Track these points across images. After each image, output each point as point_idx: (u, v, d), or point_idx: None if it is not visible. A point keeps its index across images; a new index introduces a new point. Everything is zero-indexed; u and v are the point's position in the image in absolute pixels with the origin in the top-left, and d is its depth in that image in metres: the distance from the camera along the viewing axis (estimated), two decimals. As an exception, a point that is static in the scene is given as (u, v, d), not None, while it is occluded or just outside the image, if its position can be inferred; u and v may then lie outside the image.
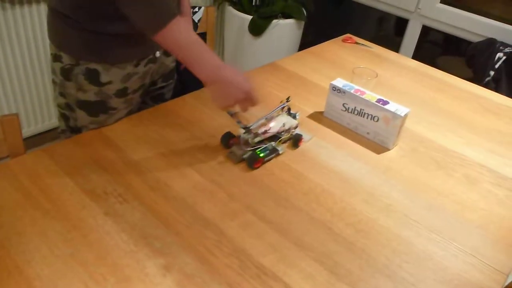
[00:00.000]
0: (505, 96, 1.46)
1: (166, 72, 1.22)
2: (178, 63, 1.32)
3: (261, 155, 0.97)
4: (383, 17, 2.51)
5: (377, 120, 1.08)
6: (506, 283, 0.80)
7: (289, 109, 1.09)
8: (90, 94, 1.04)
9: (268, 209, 0.87)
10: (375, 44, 1.71)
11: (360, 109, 1.11)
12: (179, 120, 1.10)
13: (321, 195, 0.92)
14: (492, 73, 1.77)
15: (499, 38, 1.87)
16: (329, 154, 1.05)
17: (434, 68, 1.58)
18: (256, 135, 0.99)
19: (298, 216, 0.86)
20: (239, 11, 2.30)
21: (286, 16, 2.31)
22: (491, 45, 1.81)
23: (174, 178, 0.91)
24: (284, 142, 1.06)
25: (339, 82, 1.14)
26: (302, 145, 1.07)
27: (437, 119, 1.26)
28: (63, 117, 1.09)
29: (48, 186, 0.86)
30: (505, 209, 0.95)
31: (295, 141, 1.05)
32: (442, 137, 1.18)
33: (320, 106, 1.24)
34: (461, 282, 0.77)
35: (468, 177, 1.04)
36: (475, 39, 2.01)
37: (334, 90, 1.14)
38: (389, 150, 1.10)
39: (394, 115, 1.05)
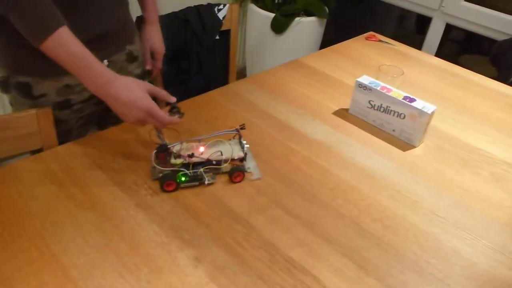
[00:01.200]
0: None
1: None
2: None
3: (182, 179, 0.88)
4: (404, 15, 2.49)
5: (404, 118, 1.08)
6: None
7: (240, 137, 0.97)
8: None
9: (296, 204, 0.88)
10: (398, 42, 1.70)
11: (387, 106, 1.11)
12: (209, 113, 1.12)
13: (347, 191, 0.93)
14: (517, 71, 1.75)
15: (525, 36, 1.85)
16: (354, 150, 1.06)
17: (459, 66, 1.57)
18: (178, 156, 0.89)
19: (325, 211, 0.87)
20: (261, 8, 2.31)
21: (308, 13, 2.31)
22: (516, 43, 1.79)
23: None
24: (223, 172, 0.93)
25: (365, 79, 1.14)
26: (330, 142, 1.07)
27: (462, 117, 1.25)
28: None
29: (80, 178, 0.89)
30: (533, 208, 0.95)
31: (231, 174, 0.91)
32: (468, 135, 1.17)
33: (344, 103, 1.24)
34: (489, 279, 0.77)
35: (494, 175, 1.03)
36: (499, 37, 1.99)
37: (360, 87, 1.14)
38: (415, 147, 1.09)
39: (421, 112, 1.05)
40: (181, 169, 0.89)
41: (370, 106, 1.14)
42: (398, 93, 1.09)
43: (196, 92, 1.32)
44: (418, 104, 1.06)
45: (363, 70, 1.44)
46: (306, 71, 1.40)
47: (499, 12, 2.01)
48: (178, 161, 0.89)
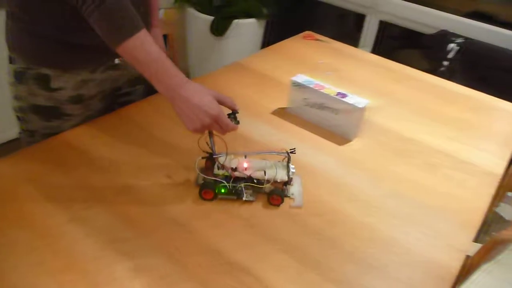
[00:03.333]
0: (459, 85, 1.52)
1: (132, 78, 1.21)
2: None
3: (222, 191, 0.88)
4: (344, 14, 2.56)
5: (338, 113, 1.11)
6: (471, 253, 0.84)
7: (288, 159, 0.93)
8: (41, 99, 1.02)
9: (238, 207, 0.88)
10: (334, 40, 1.74)
11: (321, 103, 1.13)
12: (146, 123, 1.10)
13: (287, 189, 0.94)
14: (446, 63, 1.84)
15: (450, 29, 1.95)
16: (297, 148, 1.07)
17: (392, 61, 1.63)
18: (223, 167, 0.89)
19: (268, 211, 0.87)
20: (200, 12, 2.30)
21: (247, 15, 2.33)
22: (443, 36, 1.89)
23: (142, 181, 0.91)
24: (264, 192, 0.91)
25: (300, 78, 1.16)
26: (270, 141, 1.08)
27: (396, 110, 1.30)
28: (18, 119, 1.08)
29: (11, 196, 0.84)
30: (463, 192, 1.00)
31: (269, 195, 0.89)
32: (402, 126, 1.22)
33: (283, 102, 1.26)
34: (424, 264, 0.80)
35: (427, 164, 1.08)
36: (429, 31, 2.08)
37: (295, 86, 1.16)
38: (351, 141, 1.12)
39: (354, 107, 1.08)
40: (222, 180, 0.88)
41: (306, 103, 1.16)
42: (331, 90, 1.12)
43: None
44: (350, 99, 1.09)
45: (300, 69, 1.47)
46: (246, 72, 1.41)
47: (427, 8, 2.11)
48: (221, 172, 0.89)
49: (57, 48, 0.97)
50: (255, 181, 0.89)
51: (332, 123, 1.14)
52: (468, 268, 0.82)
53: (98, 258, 0.74)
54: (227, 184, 0.88)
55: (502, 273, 0.69)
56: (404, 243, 0.84)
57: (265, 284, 0.73)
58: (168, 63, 0.86)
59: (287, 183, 0.91)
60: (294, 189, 0.93)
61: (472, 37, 1.95)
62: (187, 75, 2.83)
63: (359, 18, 2.39)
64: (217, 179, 0.88)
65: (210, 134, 0.91)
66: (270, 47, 1.62)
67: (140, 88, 1.26)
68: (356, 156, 1.07)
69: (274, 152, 0.94)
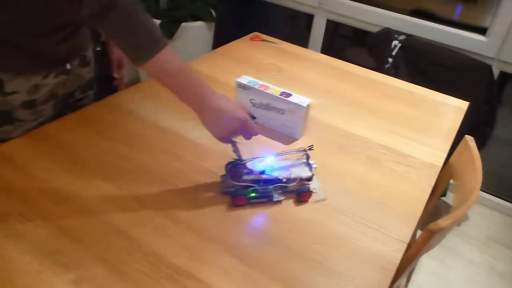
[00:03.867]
0: (403, 81, 1.57)
1: (83, 83, 1.19)
2: (99, 73, 1.29)
3: (252, 195, 0.89)
4: (294, 14, 2.59)
5: (283, 113, 1.12)
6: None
7: (307, 158, 0.98)
8: None
9: (179, 209, 0.87)
10: (282, 41, 1.76)
11: (267, 103, 1.14)
12: (87, 129, 1.07)
13: (232, 190, 0.94)
14: (390, 60, 1.90)
15: (394, 27, 2.01)
16: (241, 150, 1.07)
17: (339, 60, 1.66)
18: (251, 172, 0.91)
19: (211, 213, 0.87)
20: (147, 16, 2.27)
21: (195, 18, 2.31)
22: (387, 34, 1.94)
23: (81, 190, 0.89)
24: (289, 192, 0.94)
25: (244, 79, 1.17)
26: (215, 144, 1.08)
27: (341, 107, 1.33)
28: None
29: None
30: (404, 184, 1.03)
31: (298, 194, 0.92)
32: (346, 123, 1.24)
33: (229, 104, 1.26)
34: (367, 256, 0.82)
35: (370, 158, 1.10)
36: (375, 30, 2.14)
37: (240, 87, 1.16)
38: (297, 140, 1.14)
39: (297, 106, 1.09)
40: (251, 184, 0.90)
41: (252, 104, 1.17)
42: (275, 90, 1.13)
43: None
44: (294, 98, 1.10)
45: (247, 70, 1.47)
46: (191, 75, 1.40)
47: (372, 7, 2.16)
48: (250, 177, 0.91)
49: (9, 52, 0.95)
50: (283, 181, 0.92)
51: (278, 123, 1.15)
52: (408, 257, 0.85)
53: (36, 273, 0.71)
54: (257, 188, 0.90)
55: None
56: (348, 237, 0.86)
57: (208, 286, 0.72)
58: (195, 75, 0.87)
59: (310, 179, 0.94)
60: (315, 184, 0.96)
61: (414, 34, 2.02)
62: (137, 80, 2.78)
63: (308, 18, 2.43)
64: (248, 184, 0.90)
65: (233, 142, 0.92)
66: (217, 49, 1.62)
67: (91, 94, 1.24)
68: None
69: (294, 151, 0.98)
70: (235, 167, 0.92)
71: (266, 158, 0.95)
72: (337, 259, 0.81)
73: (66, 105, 1.18)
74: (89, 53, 1.20)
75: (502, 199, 2.23)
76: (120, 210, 0.85)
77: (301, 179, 0.93)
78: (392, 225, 0.90)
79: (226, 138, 0.89)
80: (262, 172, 0.92)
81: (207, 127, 0.89)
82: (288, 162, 0.96)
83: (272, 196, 0.91)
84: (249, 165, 0.92)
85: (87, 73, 1.21)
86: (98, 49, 1.36)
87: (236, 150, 0.93)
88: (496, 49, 1.92)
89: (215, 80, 1.38)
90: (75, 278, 0.71)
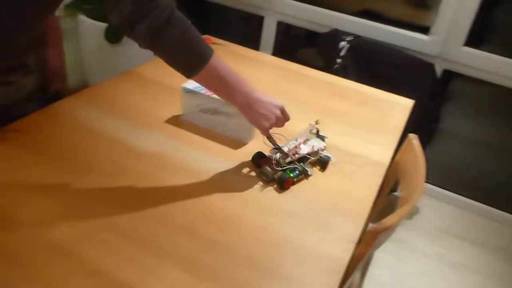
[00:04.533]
0: (351, 81, 1.60)
1: (25, 95, 1.12)
2: (45, 84, 1.22)
3: (291, 175, 0.98)
4: (245, 16, 2.58)
5: (231, 117, 1.11)
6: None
7: (317, 131, 1.13)
8: None
9: (125, 222, 0.84)
10: (232, 43, 1.75)
11: (214, 108, 1.13)
12: (26, 140, 1.02)
13: (181, 199, 0.92)
14: (339, 60, 1.93)
15: (342, 28, 2.05)
16: (189, 156, 1.05)
17: (288, 61, 1.67)
18: (287, 156, 1.01)
19: (159, 224, 0.85)
20: (93, 19, 2.20)
21: (144, 21, 2.26)
22: (335, 35, 1.98)
23: (16, 205, 0.84)
24: (312, 164, 1.07)
25: (191, 84, 1.15)
26: (164, 151, 1.06)
27: (292, 108, 1.32)
28: None
29: None
30: (352, 183, 1.05)
31: (323, 163, 1.07)
32: (295, 124, 1.24)
33: (178, 110, 1.23)
34: (317, 259, 0.83)
35: (319, 159, 1.11)
36: (324, 30, 2.17)
37: (187, 92, 1.15)
38: (246, 144, 1.13)
39: (246, 110, 1.08)
40: (291, 166, 1.01)
41: (200, 109, 1.15)
42: (223, 94, 1.12)
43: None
44: (242, 102, 1.09)
45: (196, 74, 1.45)
46: (139, 81, 1.36)
47: (320, 8, 2.19)
48: (288, 160, 1.01)
49: None
50: (309, 156, 1.06)
51: (227, 128, 1.14)
52: (357, 257, 0.86)
53: (-33, 299, 0.67)
54: (296, 166, 1.01)
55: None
56: (297, 241, 0.86)
57: (156, 301, 0.70)
58: (238, 74, 0.95)
59: (324, 149, 1.11)
60: (326, 153, 1.11)
61: (362, 35, 2.07)
62: (86, 84, 2.70)
63: (260, 20, 2.43)
64: (288, 166, 1.00)
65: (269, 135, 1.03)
66: (165, 53, 1.58)
67: (33, 104, 1.18)
68: (250, 159, 1.08)
69: (310, 128, 1.14)
70: (262, 158, 1.03)
71: (291, 141, 1.08)
72: (288, 263, 0.81)
73: (7, 116, 1.11)
74: (31, 62, 1.13)
75: (451, 191, 2.32)
76: (60, 226, 0.81)
77: (319, 150, 1.09)
78: (341, 226, 0.91)
79: (271, 126, 0.98)
80: (295, 154, 1.03)
81: (254, 120, 0.97)
82: (307, 140, 1.10)
83: (307, 171, 1.03)
84: (285, 149, 1.03)
85: (30, 81, 1.15)
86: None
87: (272, 140, 1.03)
88: (438, 48, 1.99)
89: (160, 85, 1.36)
90: (11, 301, 0.67)
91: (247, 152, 1.10)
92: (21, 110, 1.15)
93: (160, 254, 0.78)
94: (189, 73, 0.90)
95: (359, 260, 0.85)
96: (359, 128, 1.28)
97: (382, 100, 1.48)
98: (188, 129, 1.16)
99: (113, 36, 2.14)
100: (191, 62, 0.88)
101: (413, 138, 1.13)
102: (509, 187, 2.32)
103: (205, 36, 1.78)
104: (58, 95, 1.34)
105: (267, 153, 1.05)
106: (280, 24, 2.37)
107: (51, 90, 1.31)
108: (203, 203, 0.92)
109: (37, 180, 0.91)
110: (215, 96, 1.11)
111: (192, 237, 0.83)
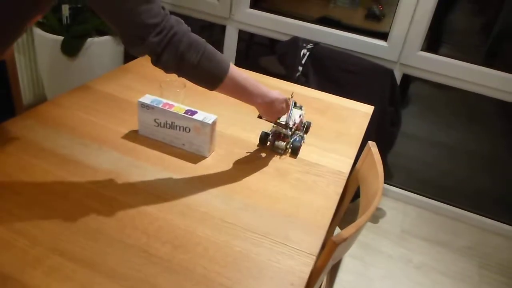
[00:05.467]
0: (311, 89, 1.61)
1: None
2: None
3: (297, 142, 1.18)
4: (208, 25, 2.56)
5: (189, 131, 1.10)
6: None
7: (295, 103, 1.24)
8: None
9: (77, 246, 0.81)
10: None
11: (172, 122, 1.11)
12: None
13: (136, 218, 0.89)
14: (300, 68, 1.94)
15: (301, 35, 2.06)
16: (145, 173, 1.03)
17: (249, 70, 1.66)
18: (291, 129, 1.17)
19: (111, 246, 0.82)
20: (48, 32, 2.13)
21: (101, 33, 2.22)
22: (295, 42, 1.98)
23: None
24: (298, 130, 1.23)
25: (147, 99, 1.12)
26: (119, 168, 1.02)
27: (250, 119, 1.33)
28: None
29: None
30: (312, 194, 1.04)
31: (307, 127, 1.29)
32: (255, 135, 1.24)
33: (134, 125, 1.21)
34: (275, 273, 0.82)
35: (279, 170, 1.11)
36: (284, 38, 2.18)
37: (143, 107, 1.12)
38: (206, 157, 1.12)
39: (203, 123, 1.07)
40: (295, 136, 1.21)
41: (156, 124, 1.13)
42: (180, 108, 1.10)
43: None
44: (199, 116, 1.08)
45: (152, 87, 1.43)
46: (94, 95, 1.32)
47: (280, 16, 2.20)
48: (292, 132, 1.20)
49: None
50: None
51: (185, 141, 1.12)
52: (317, 269, 0.86)
53: None
54: (295, 136, 1.21)
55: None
56: (256, 256, 0.85)
57: (108, 329, 0.67)
58: (252, 78, 1.03)
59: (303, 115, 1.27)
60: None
61: (322, 42, 2.08)
62: (43, 99, 2.62)
63: (222, 29, 2.42)
64: (295, 137, 1.20)
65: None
66: (121, 67, 1.55)
67: None
68: (210, 172, 1.06)
69: (292, 102, 1.21)
70: (284, 131, 1.17)
71: (286, 117, 1.17)
72: (247, 280, 0.79)
73: None
74: None
75: (413, 192, 2.37)
76: (6, 252, 0.77)
77: (302, 116, 1.25)
78: (301, 238, 0.91)
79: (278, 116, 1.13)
80: (294, 125, 1.18)
81: (267, 114, 1.10)
82: (295, 112, 1.22)
83: (304, 137, 1.26)
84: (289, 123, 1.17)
85: None
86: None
87: (279, 121, 1.16)
88: (397, 53, 2.03)
89: (117, 100, 1.32)
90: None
91: (206, 165, 1.08)
92: None
93: (112, 277, 0.76)
94: (212, 87, 0.97)
95: (320, 273, 0.85)
96: (319, 137, 1.29)
97: (342, 108, 1.50)
98: (145, 145, 1.13)
99: (69, 49, 2.08)
100: (214, 76, 0.95)
101: (372, 146, 1.14)
102: (468, 186, 2.39)
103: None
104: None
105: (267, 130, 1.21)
106: (242, 32, 2.36)
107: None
108: (159, 220, 0.89)
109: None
110: (172, 110, 1.09)
111: (147, 256, 0.81)
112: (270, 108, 1.08)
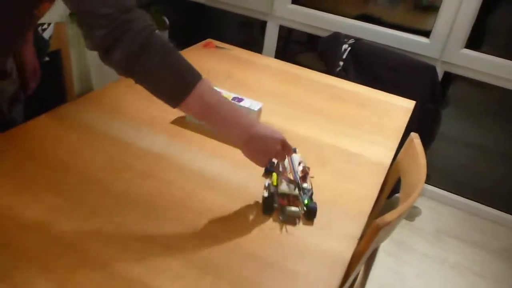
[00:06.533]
0: (353, 83, 1.62)
1: (6, 97, 1.14)
2: (24, 86, 1.26)
3: (309, 201, 0.92)
4: (248, 21, 2.61)
5: (235, 118, 1.13)
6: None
7: (294, 150, 1.05)
8: None
9: (131, 220, 0.86)
10: (235, 47, 1.78)
11: (219, 109, 1.15)
12: (31, 144, 1.04)
13: (185, 199, 0.94)
14: (341, 63, 1.96)
15: (342, 31, 2.07)
16: (193, 156, 1.08)
17: (291, 64, 1.70)
18: (297, 184, 0.93)
19: (163, 223, 0.87)
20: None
21: (147, 26, 2.29)
22: (337, 38, 2.00)
23: (25, 204, 0.86)
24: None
25: (195, 86, 1.17)
26: (169, 151, 1.08)
27: (292, 110, 1.36)
28: None
29: None
30: (354, 183, 1.07)
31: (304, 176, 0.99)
32: (296, 125, 1.27)
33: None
34: (319, 254, 0.84)
35: (321, 159, 1.13)
36: (324, 34, 2.20)
37: (192, 94, 1.17)
38: (250, 144, 1.15)
39: (249, 110, 1.11)
40: (304, 195, 0.93)
41: (204, 110, 1.17)
42: (227, 95, 1.14)
43: (26, 118, 1.22)
44: (246, 103, 1.12)
45: (200, 77, 1.48)
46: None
47: (321, 12, 2.22)
48: (295, 189, 0.94)
49: None
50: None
51: (230, 128, 1.16)
52: (359, 252, 0.88)
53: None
54: (304, 190, 0.95)
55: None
56: (299, 236, 0.88)
57: (163, 294, 0.72)
58: (234, 105, 0.86)
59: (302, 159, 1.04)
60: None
61: (362, 38, 2.09)
62: (91, 90, 2.73)
63: (262, 25, 2.46)
64: (305, 195, 0.94)
65: (274, 166, 0.98)
66: (169, 56, 1.61)
67: (20, 106, 1.20)
68: (255, 158, 1.10)
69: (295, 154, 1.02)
70: (294, 193, 0.93)
71: (286, 167, 0.98)
72: (290, 258, 0.83)
73: None
74: (8, 65, 1.14)
75: (450, 192, 2.34)
76: (68, 223, 0.83)
77: (302, 162, 1.01)
78: (343, 223, 0.93)
79: (269, 162, 0.91)
80: (301, 178, 0.97)
81: (252, 155, 0.88)
82: (293, 159, 0.99)
83: (311, 188, 0.97)
84: (290, 176, 0.96)
85: (9, 85, 1.15)
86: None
87: (279, 171, 0.97)
88: (439, 51, 2.01)
89: (167, 87, 1.38)
90: (23, 294, 0.69)
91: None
92: (5, 114, 1.16)
93: (167, 250, 0.80)
94: (173, 103, 0.81)
95: (361, 256, 0.87)
96: (360, 130, 1.31)
97: (383, 102, 1.51)
98: (193, 130, 1.18)
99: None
100: (175, 89, 0.80)
101: (415, 137, 1.15)
102: (504, 188, 2.34)
103: (208, 40, 1.81)
104: (37, 95, 1.35)
105: (280, 189, 0.94)
106: (282, 29, 2.40)
107: (29, 91, 1.32)
108: (207, 201, 0.94)
109: (44, 179, 0.93)
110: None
111: (196, 234, 0.85)
112: (251, 148, 0.87)
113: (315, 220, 0.93)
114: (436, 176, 2.37)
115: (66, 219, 0.84)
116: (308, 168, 1.02)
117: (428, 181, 2.36)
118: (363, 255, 0.87)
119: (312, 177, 1.02)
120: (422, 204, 2.31)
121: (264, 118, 1.27)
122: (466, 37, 1.96)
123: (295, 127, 1.27)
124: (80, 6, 0.76)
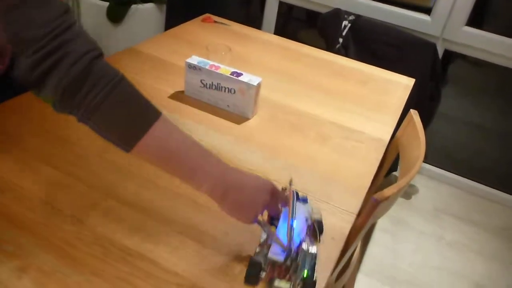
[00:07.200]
0: (353, 60, 1.60)
1: None
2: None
3: (310, 273, 0.70)
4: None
5: (234, 92, 1.12)
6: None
7: (297, 195, 0.80)
8: None
9: (130, 192, 0.86)
10: (234, 22, 1.75)
11: (217, 84, 1.14)
12: (31, 115, 1.03)
13: (184, 171, 0.93)
14: (341, 40, 1.93)
15: (343, 7, 2.04)
16: (191, 130, 1.07)
17: (291, 40, 1.67)
18: (289, 255, 0.71)
19: (162, 195, 0.87)
20: (94, -2, 2.19)
21: (145, 0, 2.26)
22: (337, 14, 1.97)
23: (24, 176, 0.86)
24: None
25: (194, 59, 1.16)
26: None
27: (292, 86, 1.34)
28: None
29: None
30: (353, 159, 1.06)
31: (320, 231, 0.80)
32: (296, 101, 1.26)
33: (180, 86, 1.24)
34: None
35: (320, 135, 1.13)
36: (325, 11, 2.16)
37: (190, 68, 1.15)
38: (249, 119, 1.15)
39: (248, 85, 1.10)
40: (302, 267, 0.71)
41: (202, 85, 1.16)
42: (226, 70, 1.13)
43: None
44: (245, 77, 1.11)
45: (197, 52, 1.46)
46: (141, 58, 1.37)
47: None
48: (291, 256, 0.71)
49: None
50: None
51: (229, 103, 1.15)
52: (357, 227, 0.88)
53: (-21, 262, 0.69)
54: (306, 253, 0.74)
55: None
56: (298, 211, 0.88)
57: (161, 266, 0.72)
58: (204, 149, 0.69)
59: (313, 212, 0.84)
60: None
61: (363, 14, 2.06)
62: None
63: (261, 0, 2.42)
64: (302, 266, 0.72)
65: (263, 225, 0.74)
66: (166, 32, 1.59)
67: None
68: (254, 133, 1.09)
69: (293, 201, 0.77)
70: (286, 264, 0.71)
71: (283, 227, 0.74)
72: (289, 232, 0.83)
73: None
74: None
75: (448, 171, 2.34)
76: (67, 195, 0.83)
77: (309, 217, 0.80)
78: (342, 198, 0.93)
79: (256, 216, 0.72)
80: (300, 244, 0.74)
81: (233, 211, 0.70)
82: (298, 216, 0.76)
83: (315, 253, 0.74)
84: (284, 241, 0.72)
85: None
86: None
87: (267, 229, 0.75)
88: (440, 28, 1.99)
89: (163, 62, 1.36)
90: (21, 265, 0.69)
91: (249, 126, 1.11)
92: None
93: (163, 222, 0.80)
94: (124, 146, 0.66)
95: (359, 231, 0.87)
96: (360, 106, 1.30)
97: (382, 79, 1.49)
98: (191, 105, 1.17)
99: (115, 15, 2.13)
100: (125, 130, 0.65)
101: (414, 114, 1.14)
102: (502, 167, 2.34)
103: (206, 15, 1.78)
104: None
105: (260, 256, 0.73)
106: (281, 5, 2.36)
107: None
108: (207, 175, 0.93)
109: (41, 152, 0.93)
110: (218, 71, 1.12)
111: (195, 206, 0.85)
112: (235, 199, 0.69)
113: (315, 194, 0.92)
114: (434, 154, 2.37)
115: (64, 191, 0.84)
116: (320, 222, 0.81)
117: (426, 159, 2.36)
118: (361, 230, 0.87)
119: (319, 243, 0.81)
120: (420, 182, 2.32)
121: (263, 94, 1.26)
122: (467, 14, 1.93)
123: (295, 103, 1.26)
124: (8, 30, 0.60)
